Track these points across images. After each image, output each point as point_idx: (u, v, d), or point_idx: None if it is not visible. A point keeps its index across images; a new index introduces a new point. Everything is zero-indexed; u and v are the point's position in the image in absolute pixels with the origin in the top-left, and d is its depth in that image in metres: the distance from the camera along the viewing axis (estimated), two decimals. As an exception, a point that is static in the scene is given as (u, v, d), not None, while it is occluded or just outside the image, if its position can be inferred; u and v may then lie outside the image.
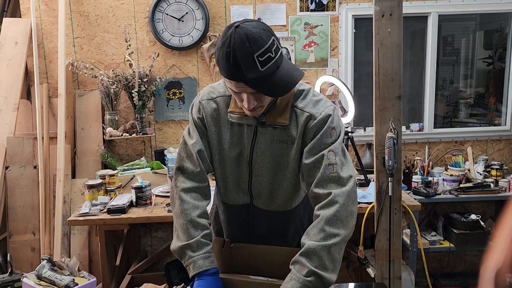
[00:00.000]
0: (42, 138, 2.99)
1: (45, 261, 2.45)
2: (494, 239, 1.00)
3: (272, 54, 1.15)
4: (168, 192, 2.73)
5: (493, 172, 3.15)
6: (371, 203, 2.41)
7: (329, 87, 3.19)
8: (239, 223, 1.50)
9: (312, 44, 3.17)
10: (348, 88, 2.56)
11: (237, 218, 1.50)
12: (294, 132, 1.33)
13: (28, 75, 3.16)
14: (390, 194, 2.32)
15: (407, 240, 2.95)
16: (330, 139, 1.29)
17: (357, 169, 3.00)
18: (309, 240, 1.21)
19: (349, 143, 2.68)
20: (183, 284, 1.49)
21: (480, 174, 3.15)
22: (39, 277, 2.41)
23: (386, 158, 2.28)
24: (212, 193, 1.53)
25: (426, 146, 3.30)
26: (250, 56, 1.12)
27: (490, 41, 3.59)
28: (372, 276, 2.40)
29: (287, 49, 3.16)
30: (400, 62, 2.25)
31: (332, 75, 3.09)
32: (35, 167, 2.96)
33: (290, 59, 3.18)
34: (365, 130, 3.30)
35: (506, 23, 3.40)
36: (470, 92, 3.63)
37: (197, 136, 1.40)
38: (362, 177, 2.74)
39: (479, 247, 3.04)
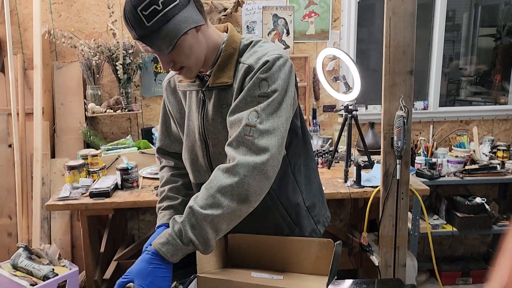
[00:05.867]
0: (17, 114, 2.74)
1: (21, 249, 2.25)
2: (498, 258, 0.91)
3: (159, 7, 1.05)
4: (157, 173, 2.53)
5: (499, 153, 3.01)
6: (376, 186, 2.24)
7: (329, 61, 2.97)
8: None
9: (312, 15, 2.94)
10: (354, 61, 2.35)
11: None
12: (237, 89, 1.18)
13: (1, 45, 2.87)
14: (397, 178, 2.15)
15: (409, 224, 2.82)
16: (258, 91, 1.11)
17: (360, 150, 2.83)
18: (195, 203, 1.06)
19: (353, 122, 2.49)
20: (175, 283, 1.31)
21: (486, 155, 3.00)
22: (15, 267, 2.20)
23: (395, 138, 2.10)
24: None
25: (431, 126, 3.13)
26: (134, 12, 1.05)
27: (491, 17, 3.42)
28: (376, 264, 2.26)
29: (285, 19, 2.93)
30: (413, 33, 2.05)
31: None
32: (10, 145, 2.72)
33: (288, 30, 2.95)
34: (366, 108, 3.11)
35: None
36: (470, 70, 3.46)
37: (161, 131, 1.45)
38: (365, 158, 2.57)
39: (483, 231, 2.93)
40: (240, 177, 1.04)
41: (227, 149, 1.11)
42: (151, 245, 1.09)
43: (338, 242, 1.19)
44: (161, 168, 1.48)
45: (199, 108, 1.25)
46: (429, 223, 2.90)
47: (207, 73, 1.22)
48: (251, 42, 1.21)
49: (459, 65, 3.47)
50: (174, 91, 1.35)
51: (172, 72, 1.36)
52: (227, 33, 1.24)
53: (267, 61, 1.12)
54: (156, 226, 1.32)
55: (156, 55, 1.14)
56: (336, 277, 1.27)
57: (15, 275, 2.13)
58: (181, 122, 1.35)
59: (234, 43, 1.20)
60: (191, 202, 1.08)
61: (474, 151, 3.02)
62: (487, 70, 3.45)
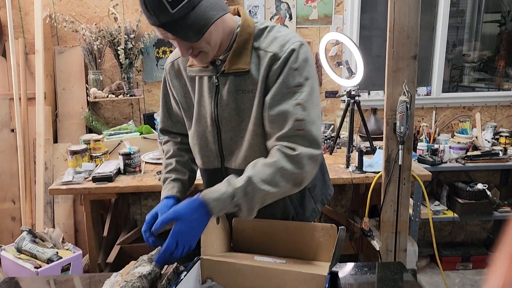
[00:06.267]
0: (19, 98, 2.73)
1: (25, 232, 2.28)
2: (494, 261, 0.93)
3: None
4: (159, 159, 2.53)
5: (502, 140, 3.00)
6: (378, 172, 2.25)
7: (332, 47, 2.95)
8: None
9: (315, -1, 2.91)
10: (357, 46, 2.33)
11: (213, 184, 1.33)
12: (257, 77, 1.18)
13: (2, 29, 2.85)
14: (399, 163, 2.15)
15: (410, 210, 2.83)
16: (292, 81, 1.14)
17: (362, 136, 2.83)
18: (255, 174, 1.11)
19: (356, 107, 2.48)
20: (176, 264, 1.31)
21: (488, 141, 2.99)
22: (19, 250, 2.23)
23: (398, 124, 2.09)
24: None
25: (433, 112, 3.12)
26: None
27: (496, 3, 3.37)
28: (377, 249, 2.27)
29: (288, 4, 2.90)
30: (417, 18, 2.02)
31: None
32: (12, 130, 2.72)
33: (290, 15, 2.92)
34: (369, 94, 3.10)
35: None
36: (473, 56, 3.44)
37: (162, 113, 1.42)
38: (367, 144, 2.56)
39: (484, 217, 2.94)
40: (302, 167, 1.12)
41: (280, 142, 1.14)
42: (200, 194, 1.12)
43: (342, 227, 1.20)
44: (165, 142, 1.49)
45: (212, 93, 1.23)
46: (430, 209, 2.91)
47: (220, 57, 1.20)
48: (267, 27, 1.20)
49: (462, 51, 3.44)
50: (178, 74, 1.33)
51: (175, 55, 1.33)
52: (239, 16, 1.22)
53: (293, 50, 1.14)
54: (164, 196, 1.33)
55: (176, 41, 1.11)
56: (338, 261, 1.28)
57: (20, 258, 2.16)
58: (185, 106, 1.33)
59: (249, 27, 1.19)
60: (250, 172, 1.12)
61: (476, 137, 3.01)
62: (491, 56, 3.42)
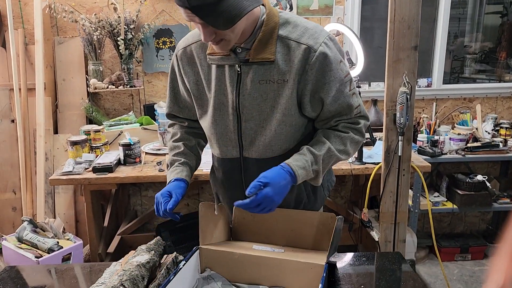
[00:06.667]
0: (19, 89, 2.73)
1: (26, 222, 2.29)
2: (495, 258, 0.95)
3: None
4: (159, 149, 2.54)
5: (502, 131, 3.00)
6: (378, 163, 2.25)
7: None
8: (232, 179, 1.37)
9: (316, -11, 2.89)
10: (357, 37, 2.32)
11: (229, 174, 1.35)
12: (286, 67, 1.17)
13: (1, 19, 2.84)
14: (399, 154, 2.15)
15: (410, 201, 2.84)
16: (342, 74, 1.21)
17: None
18: (332, 144, 1.24)
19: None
20: (175, 253, 1.32)
21: (489, 133, 2.99)
22: (20, 240, 2.25)
23: (398, 115, 2.09)
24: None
25: (434, 103, 3.11)
26: None
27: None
28: (376, 239, 2.29)
29: (288, -6, 2.88)
30: (418, 8, 2.01)
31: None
32: (12, 121, 2.72)
33: (291, 5, 2.90)
34: (369, 85, 3.09)
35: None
36: (475, 47, 3.42)
37: (169, 98, 1.41)
38: (367, 135, 2.56)
39: (483, 208, 2.95)
40: (364, 135, 1.31)
41: (344, 121, 1.26)
42: (264, 177, 1.15)
43: (339, 216, 1.20)
44: (171, 125, 1.48)
45: (234, 82, 1.21)
46: (430, 200, 2.92)
47: (242, 45, 1.19)
48: (291, 17, 1.20)
49: (464, 42, 3.43)
50: (190, 61, 1.29)
51: (187, 40, 1.30)
52: (263, 5, 1.19)
53: (329, 43, 1.17)
54: (174, 177, 1.32)
55: (200, 25, 1.08)
56: (336, 251, 1.29)
57: (20, 248, 2.17)
58: (197, 94, 1.31)
59: (275, 16, 1.17)
60: (328, 142, 1.24)
61: (476, 128, 3.01)
62: (492, 47, 3.41)
